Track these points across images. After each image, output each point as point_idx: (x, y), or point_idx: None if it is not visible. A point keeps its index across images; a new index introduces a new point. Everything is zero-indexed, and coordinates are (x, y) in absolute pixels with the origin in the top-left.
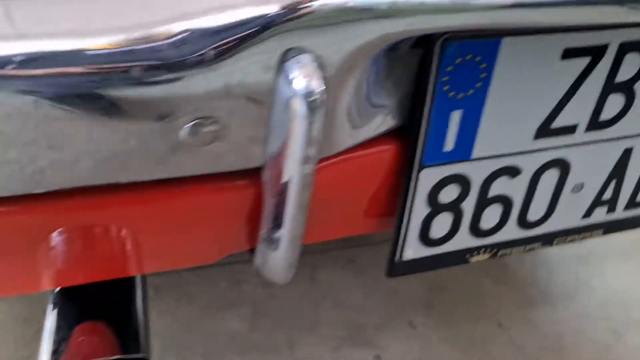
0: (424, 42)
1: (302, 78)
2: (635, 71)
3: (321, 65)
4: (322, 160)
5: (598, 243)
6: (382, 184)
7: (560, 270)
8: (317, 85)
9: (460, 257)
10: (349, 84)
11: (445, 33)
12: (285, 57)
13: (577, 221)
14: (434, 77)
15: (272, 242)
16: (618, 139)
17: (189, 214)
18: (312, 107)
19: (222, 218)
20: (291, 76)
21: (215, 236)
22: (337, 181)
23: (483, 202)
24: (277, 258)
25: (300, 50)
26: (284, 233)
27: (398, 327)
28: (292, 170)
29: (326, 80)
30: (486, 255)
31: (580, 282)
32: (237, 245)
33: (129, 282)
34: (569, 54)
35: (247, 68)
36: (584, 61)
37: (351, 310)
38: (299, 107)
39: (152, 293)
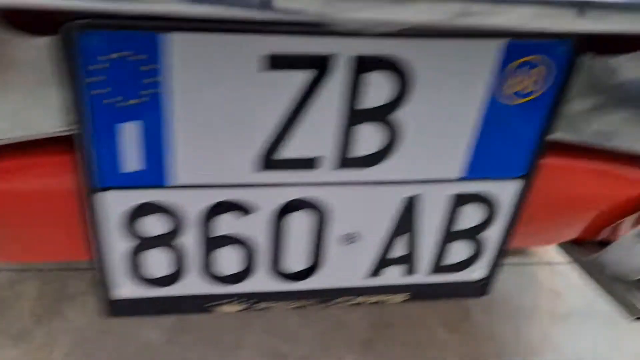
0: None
1: None
2: (393, 97)
3: None
4: None
5: (582, 303)
6: (67, 205)
7: (529, 327)
8: None
9: (199, 304)
10: None
11: (77, 18)
12: None
13: (360, 280)
14: (76, 75)
15: None
16: (391, 183)
17: None
18: None
19: None
20: None
21: None
22: None
23: (210, 242)
24: None
25: None
26: None
27: None
28: None
29: None
30: (239, 306)
31: (547, 343)
32: None
33: None
34: (278, 63)
35: None
36: (301, 75)
37: (279, 338)
38: None
39: (85, 287)
